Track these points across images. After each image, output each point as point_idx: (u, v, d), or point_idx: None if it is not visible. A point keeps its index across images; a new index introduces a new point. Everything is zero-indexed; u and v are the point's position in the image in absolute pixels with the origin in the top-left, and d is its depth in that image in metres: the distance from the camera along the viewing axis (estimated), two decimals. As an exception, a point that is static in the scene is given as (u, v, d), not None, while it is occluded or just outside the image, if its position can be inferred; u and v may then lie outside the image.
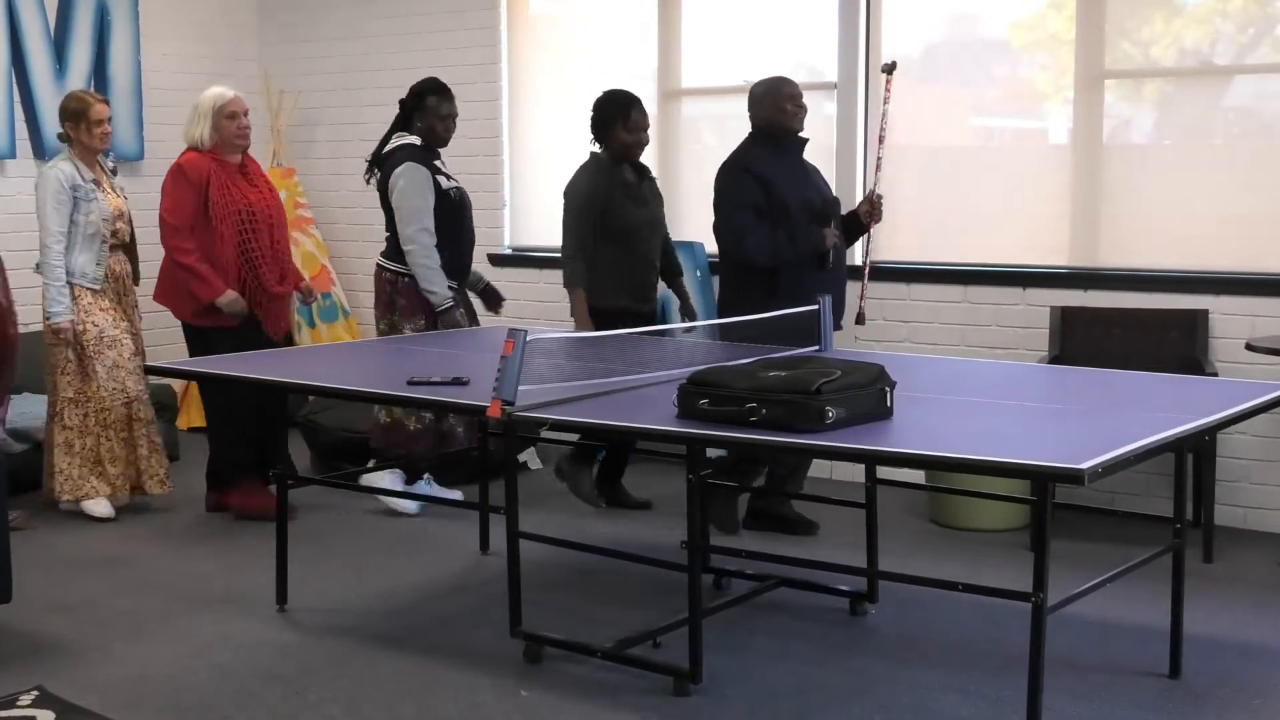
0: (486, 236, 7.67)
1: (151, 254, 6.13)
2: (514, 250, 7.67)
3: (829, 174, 6.56)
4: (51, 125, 7.28)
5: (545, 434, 3.85)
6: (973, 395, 4.08)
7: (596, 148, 5.76)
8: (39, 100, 7.28)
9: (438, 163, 5.94)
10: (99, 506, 5.93)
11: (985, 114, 6.48)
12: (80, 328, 5.85)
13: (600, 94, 5.79)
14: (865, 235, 5.67)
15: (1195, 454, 5.28)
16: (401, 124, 5.98)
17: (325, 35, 8.20)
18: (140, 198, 6.59)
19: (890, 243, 6.22)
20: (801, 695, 3.94)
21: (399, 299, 5.89)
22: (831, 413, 3.38)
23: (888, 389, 3.56)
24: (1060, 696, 3.85)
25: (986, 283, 6.14)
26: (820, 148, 6.64)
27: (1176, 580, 4.03)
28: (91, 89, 7.43)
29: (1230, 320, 5.68)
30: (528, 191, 7.61)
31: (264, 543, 5.03)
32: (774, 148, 5.44)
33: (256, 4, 8.45)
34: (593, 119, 5.75)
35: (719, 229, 5.44)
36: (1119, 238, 6.04)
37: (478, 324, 6.10)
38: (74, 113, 5.89)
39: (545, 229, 6.98)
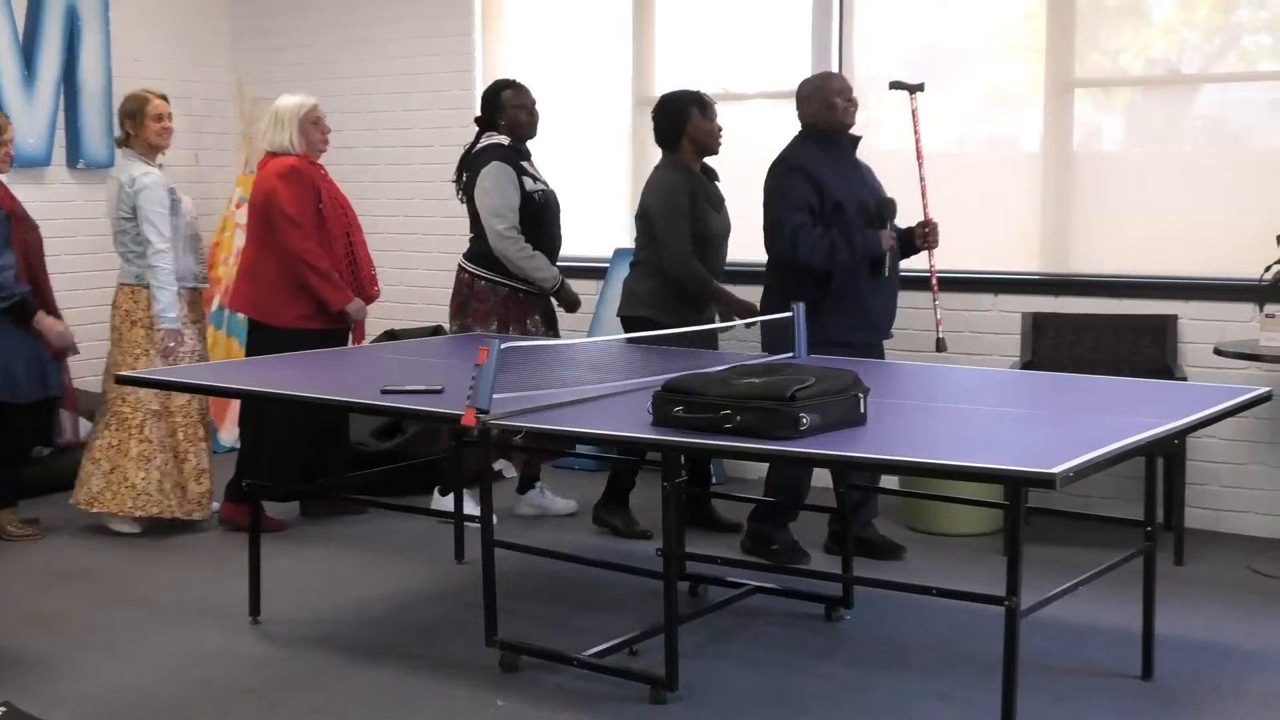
0: (462, 244, 7.65)
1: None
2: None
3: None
4: (22, 132, 7.24)
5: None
6: (945, 401, 4.10)
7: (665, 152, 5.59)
8: (8, 106, 7.22)
9: (525, 163, 5.84)
10: (125, 524, 5.86)
11: (957, 121, 6.50)
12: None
13: (662, 96, 5.65)
14: (927, 258, 5.40)
15: (1166, 458, 5.32)
16: (487, 126, 5.90)
17: (299, 42, 8.18)
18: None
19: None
20: (778, 702, 3.95)
21: (474, 302, 5.83)
22: (806, 419, 3.39)
23: (861, 395, 3.58)
24: (1035, 699, 3.87)
25: (958, 289, 6.17)
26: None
27: (1148, 583, 4.06)
28: (61, 95, 7.41)
29: (1199, 325, 5.72)
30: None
31: (238, 554, 5.02)
32: (825, 146, 5.20)
33: (229, 10, 8.43)
34: (662, 122, 5.57)
35: (769, 231, 5.17)
36: (1089, 244, 6.08)
37: (555, 330, 6.02)
38: (131, 111, 5.81)
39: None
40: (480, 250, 5.83)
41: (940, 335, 5.49)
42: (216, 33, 8.37)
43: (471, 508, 5.89)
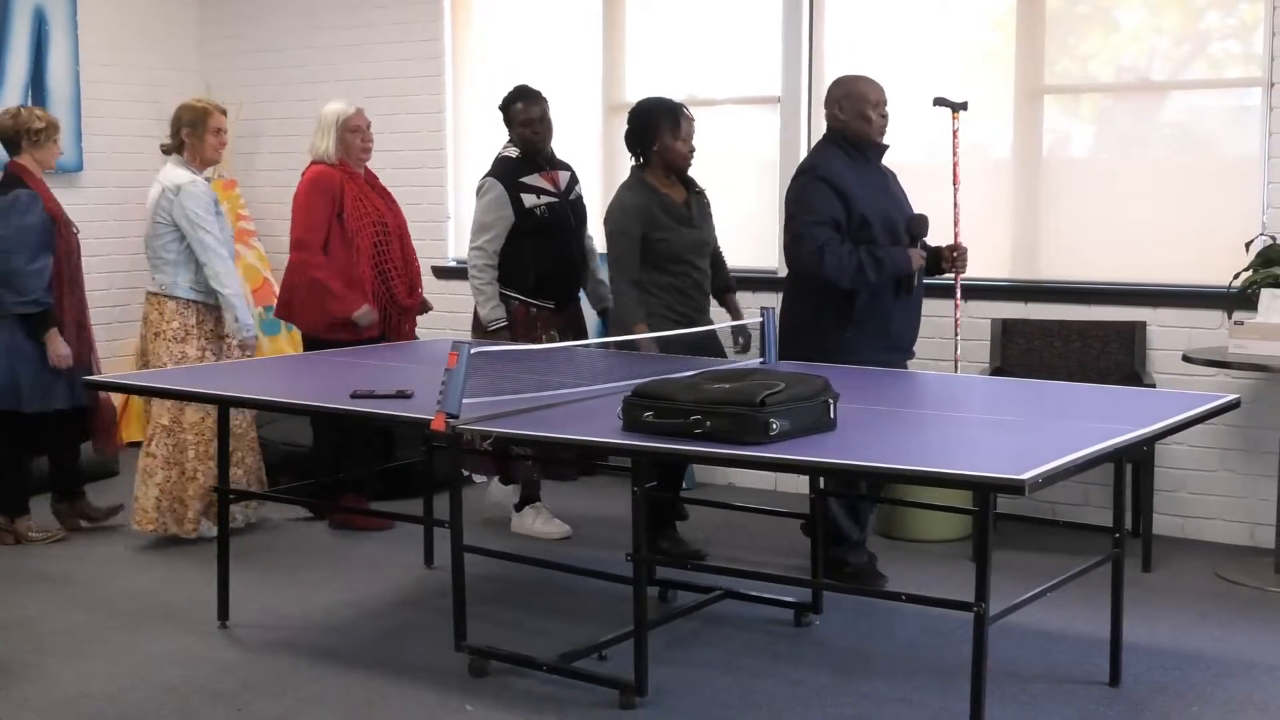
0: (431, 249, 7.65)
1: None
2: (458, 263, 7.64)
3: (772, 190, 6.61)
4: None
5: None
6: (915, 407, 4.11)
7: (635, 163, 5.45)
8: (-26, 111, 7.17)
9: (530, 178, 5.72)
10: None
11: (926, 128, 6.51)
12: (200, 354, 5.67)
13: (638, 103, 5.47)
14: (954, 281, 5.31)
15: (1134, 464, 5.35)
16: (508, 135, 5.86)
17: (268, 46, 8.15)
18: (79, 210, 6.50)
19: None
20: (747, 707, 3.95)
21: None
22: (776, 425, 3.39)
23: (831, 401, 3.58)
24: (1002, 705, 3.88)
25: (928, 294, 6.16)
26: (763, 163, 6.69)
27: (1116, 589, 4.08)
28: (29, 100, 7.35)
29: (1168, 332, 5.75)
30: (472, 204, 7.56)
31: (205, 559, 4.99)
32: (852, 154, 4.97)
33: (198, 15, 8.39)
34: (632, 130, 5.41)
35: (792, 245, 4.91)
36: (1059, 250, 6.10)
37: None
38: (192, 121, 5.72)
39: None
40: None
41: (957, 356, 5.39)
42: (185, 37, 8.32)
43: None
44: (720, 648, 4.43)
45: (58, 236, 5.64)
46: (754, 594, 4.74)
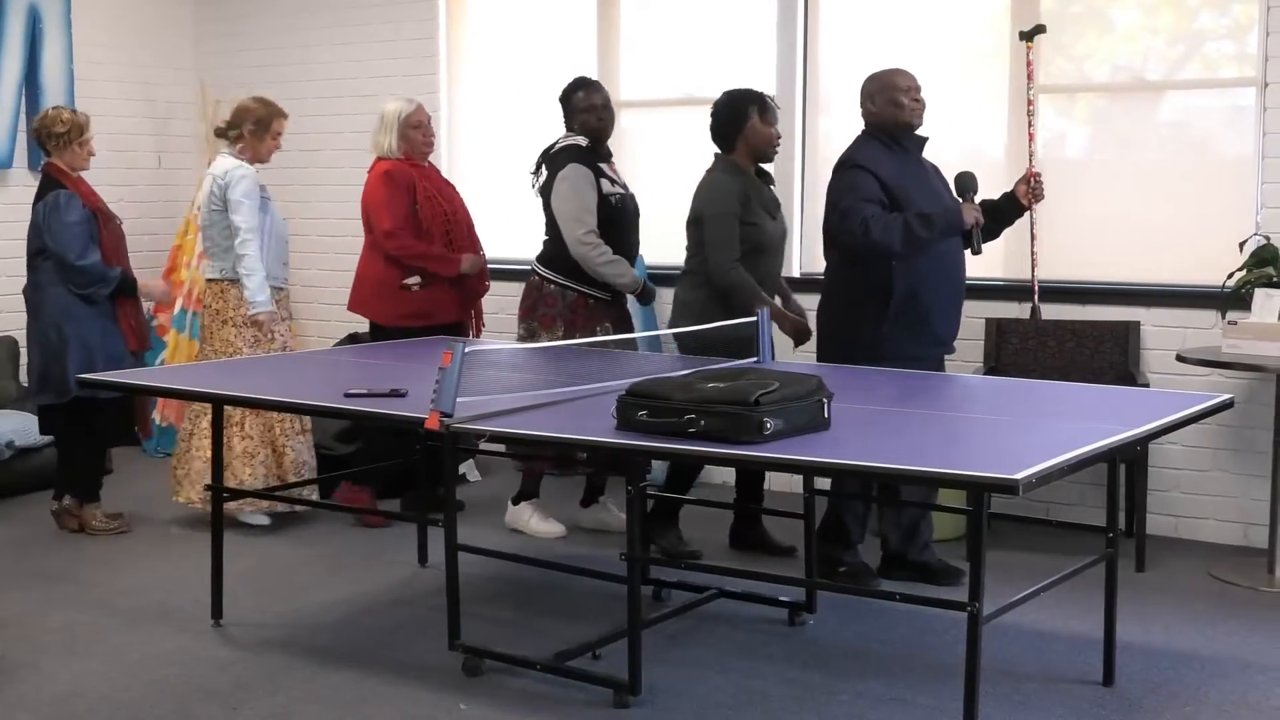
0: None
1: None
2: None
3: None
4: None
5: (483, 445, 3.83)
6: (910, 406, 4.11)
7: (720, 153, 5.38)
8: (-32, 109, 7.17)
9: (603, 165, 5.68)
10: (257, 517, 5.93)
11: (921, 127, 6.52)
12: (269, 335, 5.86)
13: (722, 94, 5.41)
14: (1029, 220, 5.09)
15: (1128, 464, 5.36)
16: (567, 125, 5.77)
17: (262, 44, 8.14)
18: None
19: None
20: (741, 706, 3.95)
21: (542, 306, 5.68)
22: (770, 424, 3.39)
23: (825, 400, 3.58)
24: (996, 704, 3.89)
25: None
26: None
27: (1109, 589, 4.08)
28: (23, 99, 7.34)
29: (1162, 332, 5.76)
30: (469, 202, 7.56)
31: (199, 556, 4.98)
32: (890, 146, 4.91)
33: (192, 13, 8.38)
34: (720, 120, 5.36)
35: (840, 224, 4.81)
36: (1053, 250, 6.10)
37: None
38: (261, 118, 5.89)
39: (482, 240, 6.92)
40: (551, 253, 5.68)
41: (1035, 304, 5.21)
42: (180, 35, 8.32)
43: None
44: (714, 647, 4.43)
45: (101, 230, 5.75)
46: (748, 593, 4.74)
